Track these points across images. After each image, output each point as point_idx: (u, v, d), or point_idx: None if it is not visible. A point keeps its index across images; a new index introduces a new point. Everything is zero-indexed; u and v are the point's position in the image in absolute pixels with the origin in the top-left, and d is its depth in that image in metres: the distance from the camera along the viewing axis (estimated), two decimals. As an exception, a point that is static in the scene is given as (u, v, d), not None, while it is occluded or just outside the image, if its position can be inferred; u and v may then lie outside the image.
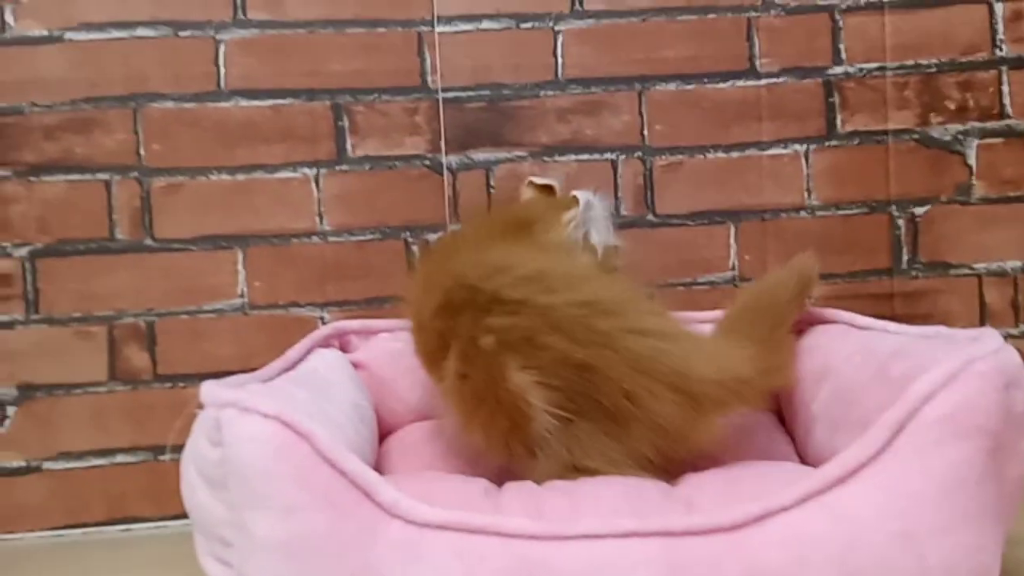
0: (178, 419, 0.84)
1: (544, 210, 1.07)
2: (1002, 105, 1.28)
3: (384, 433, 1.10)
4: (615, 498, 0.74)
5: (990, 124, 1.28)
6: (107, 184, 1.24)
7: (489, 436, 0.86)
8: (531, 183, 1.13)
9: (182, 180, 1.25)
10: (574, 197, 1.06)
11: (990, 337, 0.75)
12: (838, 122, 1.29)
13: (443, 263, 0.95)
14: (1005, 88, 1.27)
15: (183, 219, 1.25)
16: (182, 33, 1.24)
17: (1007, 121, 1.28)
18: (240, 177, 1.26)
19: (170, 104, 1.24)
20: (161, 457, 1.24)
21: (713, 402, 0.83)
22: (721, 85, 1.28)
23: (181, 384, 1.25)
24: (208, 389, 0.75)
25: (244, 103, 1.25)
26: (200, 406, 0.77)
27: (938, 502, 0.67)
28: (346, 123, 1.26)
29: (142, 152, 1.25)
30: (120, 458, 1.25)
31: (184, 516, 0.82)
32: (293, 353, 1.02)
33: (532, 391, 0.82)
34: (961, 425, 0.68)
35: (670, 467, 0.84)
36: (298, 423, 0.71)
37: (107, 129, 1.24)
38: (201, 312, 1.26)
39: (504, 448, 0.86)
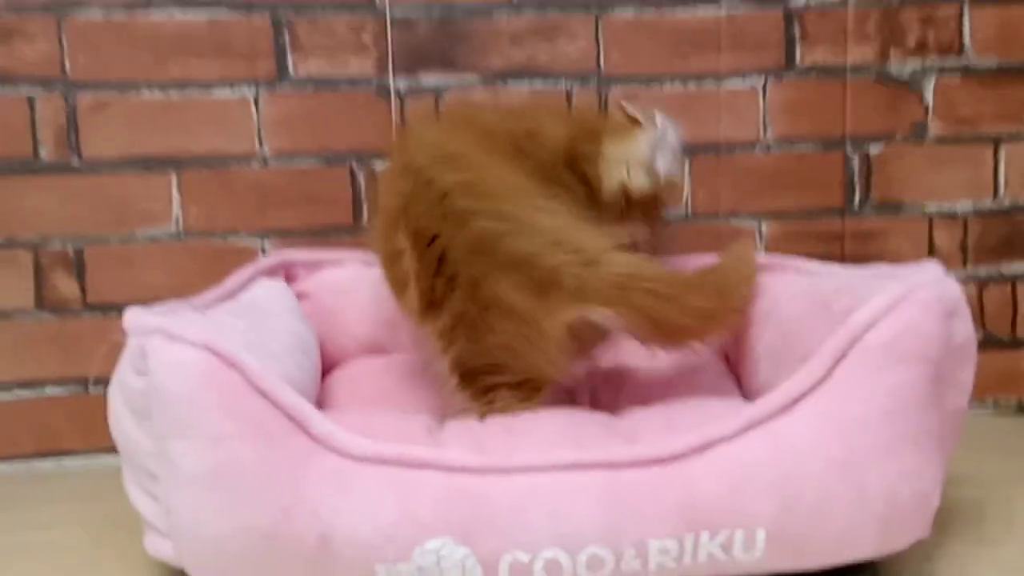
0: (102, 348, 0.80)
1: (612, 126, 1.03)
2: (962, 42, 1.25)
3: (330, 367, 1.07)
4: (556, 432, 0.72)
5: (949, 61, 1.26)
6: (30, 99, 1.16)
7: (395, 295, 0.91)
8: (621, 107, 1.06)
9: (110, 96, 1.18)
10: (650, 119, 1.01)
11: (932, 268, 0.75)
12: (797, 55, 1.25)
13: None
14: (966, 24, 1.25)
15: (112, 138, 1.18)
16: (110, -63, 1.15)
17: (966, 59, 1.26)
18: (173, 94, 1.19)
19: (98, 13, 1.16)
20: (91, 390, 1.19)
21: (565, 294, 0.79)
22: (680, 12, 1.24)
23: (112, 314, 1.19)
24: (133, 316, 0.71)
25: (178, 15, 1.17)
26: (125, 333, 0.73)
27: (879, 428, 0.67)
28: (287, 40, 1.19)
29: (67, 65, 1.17)
30: (49, 390, 1.20)
31: (115, 450, 0.78)
32: (233, 282, 0.98)
33: (407, 256, 0.86)
34: (902, 352, 0.68)
35: (553, 367, 0.82)
36: (228, 352, 0.67)
37: (28, 39, 1.15)
38: (133, 238, 1.20)
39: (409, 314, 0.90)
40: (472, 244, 0.82)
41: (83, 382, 1.19)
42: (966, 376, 0.74)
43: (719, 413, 0.69)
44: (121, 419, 0.74)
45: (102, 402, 0.80)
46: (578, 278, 0.79)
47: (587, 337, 0.85)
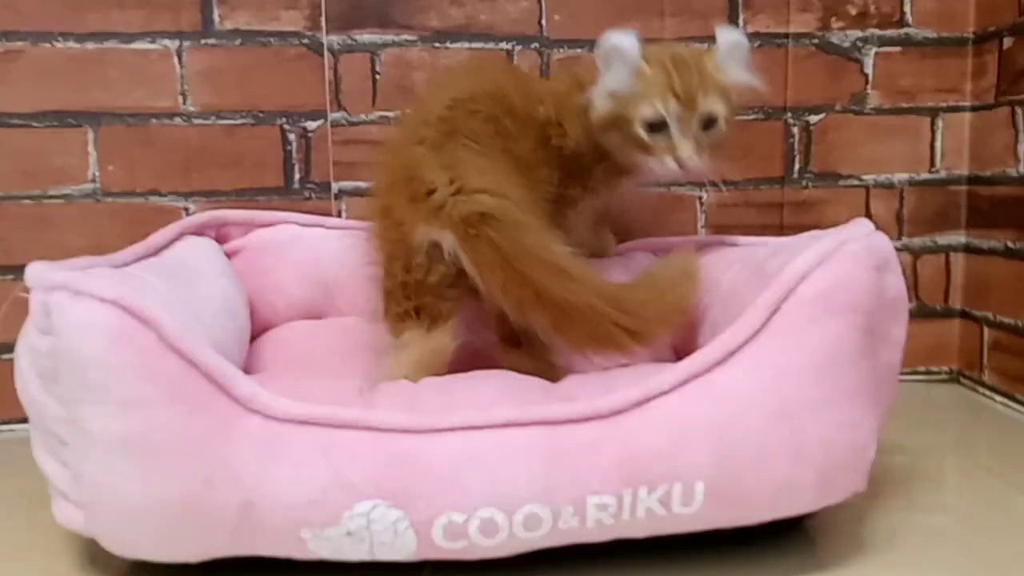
0: (2, 307, 0.75)
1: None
2: (903, 13, 1.25)
3: (261, 330, 1.03)
4: (493, 392, 0.70)
5: (889, 32, 1.26)
6: (-68, 46, 1.09)
7: None
8: None
9: (22, 46, 1.10)
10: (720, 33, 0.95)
11: (862, 224, 0.75)
12: (740, 21, 1.24)
13: None
14: (906, -6, 1.25)
15: (24, 91, 1.11)
16: None
17: (906, 29, 1.26)
18: (90, 46, 1.12)
19: (7, -43, 1.09)
20: (3, 356, 1.13)
21: (425, 208, 0.82)
22: (624, -25, 1.21)
23: (19, 282, 1.12)
24: (36, 270, 0.66)
25: (95, -40, 1.11)
26: (27, 290, 0.67)
27: (814, 378, 0.67)
28: (213, -10, 1.14)
29: (-25, 12, 1.09)
30: (-46, 357, 1.13)
31: (24, 419, 0.73)
32: (157, 238, 0.93)
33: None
34: (834, 302, 0.68)
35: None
36: (141, 309, 0.62)
37: (-70, -18, 1.08)
38: (46, 197, 1.13)
39: None
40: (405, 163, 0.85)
41: (-7, 349, 1.13)
42: (899, 331, 0.74)
43: (656, 371, 0.67)
44: (28, 382, 0.68)
45: (8, 368, 0.75)
46: (441, 199, 0.81)
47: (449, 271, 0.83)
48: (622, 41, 0.90)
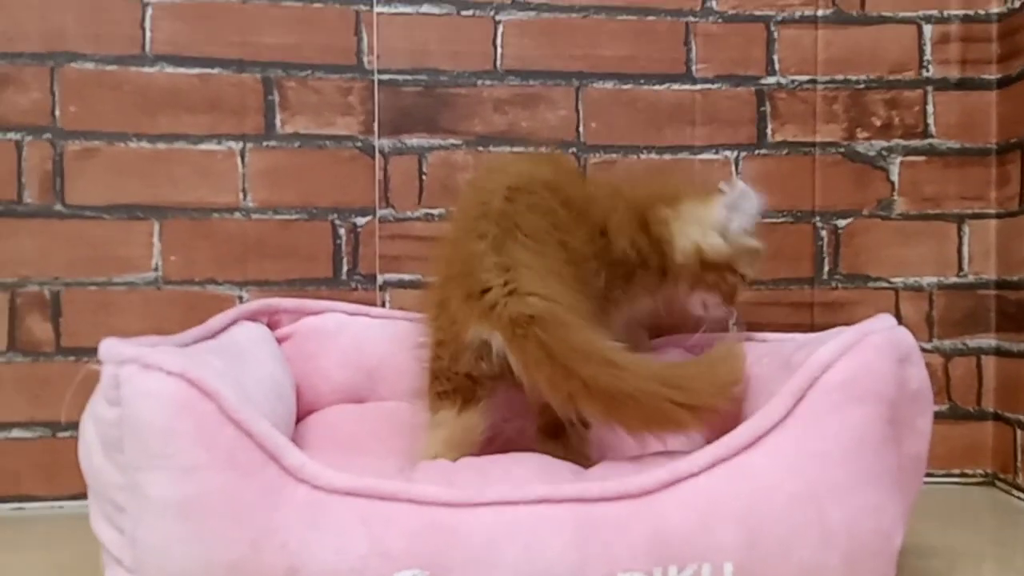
0: (70, 390, 0.80)
1: (692, 191, 1.06)
2: (926, 124, 1.31)
3: (306, 413, 1.07)
4: (527, 472, 0.73)
5: (913, 142, 1.31)
6: (18, 144, 1.18)
7: None
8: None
9: (98, 145, 1.20)
10: (729, 185, 1.04)
11: (884, 318, 0.79)
12: (768, 131, 1.30)
13: None
14: (930, 108, 1.31)
15: (97, 186, 1.20)
16: (106, -9, 1.19)
17: (930, 140, 1.31)
18: (160, 146, 1.21)
19: (90, 65, 1.19)
20: (59, 434, 1.18)
21: (479, 307, 0.85)
22: (657, 87, 1.29)
23: (85, 359, 1.19)
24: (108, 345, 0.72)
25: (170, 69, 1.21)
26: (98, 364, 0.73)
27: (839, 463, 0.69)
28: (276, 98, 1.23)
29: (57, 113, 1.19)
30: (16, 433, 1.18)
31: (80, 497, 0.77)
32: (215, 322, 0.99)
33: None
34: (858, 390, 0.71)
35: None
36: (203, 381, 0.67)
37: (22, 87, 1.18)
38: (111, 284, 1.20)
39: None
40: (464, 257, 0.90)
41: (51, 426, 1.18)
42: (923, 423, 0.76)
43: (685, 453, 0.70)
44: (92, 451, 0.73)
45: (69, 447, 0.79)
46: (494, 300, 0.84)
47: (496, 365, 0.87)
48: (753, 197, 1.02)
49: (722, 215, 1.01)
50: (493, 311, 0.84)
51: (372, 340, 1.13)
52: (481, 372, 0.88)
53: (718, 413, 0.76)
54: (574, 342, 0.81)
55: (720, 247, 1.01)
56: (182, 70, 1.21)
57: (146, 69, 1.20)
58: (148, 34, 1.20)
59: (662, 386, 0.79)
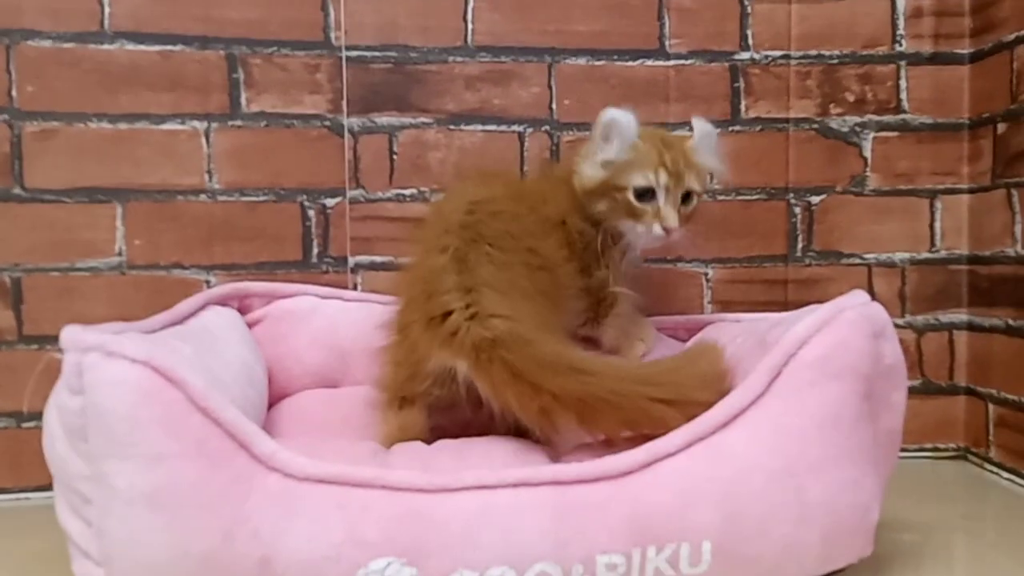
0: (32, 379, 0.77)
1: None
2: (899, 100, 1.31)
3: (278, 398, 1.05)
4: (505, 455, 0.72)
5: (886, 118, 1.31)
6: (-27, 126, 1.14)
7: None
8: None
9: (57, 125, 1.16)
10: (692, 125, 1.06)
11: (858, 293, 0.79)
12: (742, 107, 1.30)
13: None
14: (903, 83, 1.31)
15: (57, 168, 1.16)
16: (64, -33, 1.15)
17: (903, 115, 1.31)
18: (122, 126, 1.17)
19: (47, 43, 1.15)
20: (24, 424, 1.15)
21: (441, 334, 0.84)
22: (630, 63, 1.27)
23: (49, 346, 1.16)
24: (70, 333, 0.69)
25: (130, 46, 1.17)
26: (60, 352, 0.70)
27: (816, 439, 0.70)
28: (241, 75, 1.20)
29: (14, 93, 1.15)
30: (-23, 424, 1.15)
31: (47, 488, 0.75)
32: (184, 307, 0.97)
33: None
34: (834, 366, 0.72)
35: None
36: (169, 369, 0.65)
37: (-25, 66, 1.14)
38: (74, 269, 1.17)
39: None
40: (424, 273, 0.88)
41: (15, 416, 1.15)
42: (898, 397, 0.77)
43: (662, 434, 0.69)
44: (55, 440, 0.71)
45: (34, 438, 0.77)
46: (456, 325, 0.82)
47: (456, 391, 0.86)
48: (622, 117, 1.00)
49: (594, 147, 1.02)
50: (455, 338, 0.82)
51: (345, 323, 1.12)
52: (439, 396, 0.88)
53: (704, 406, 0.74)
54: (539, 357, 0.79)
55: (590, 176, 1.01)
56: (143, 47, 1.17)
57: (106, 46, 1.17)
58: (107, 9, 1.16)
59: (639, 385, 0.78)
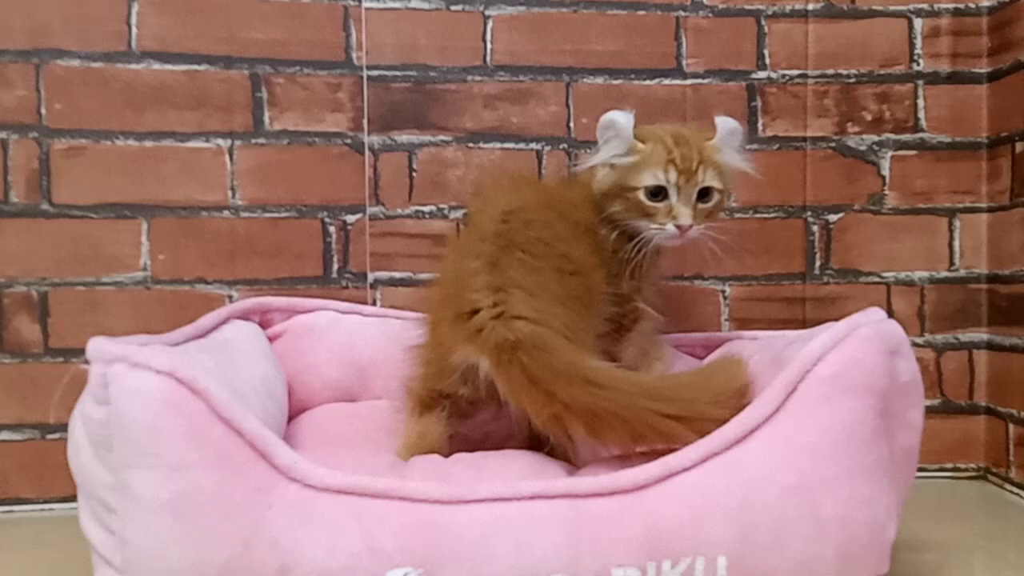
0: (58, 391, 0.79)
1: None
2: (916, 118, 1.31)
3: (298, 412, 1.06)
4: (520, 468, 0.72)
5: (904, 136, 1.31)
6: (3, 142, 1.17)
7: None
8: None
9: (84, 143, 1.19)
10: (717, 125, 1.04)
11: (874, 312, 0.78)
12: (759, 126, 1.30)
13: None
14: (920, 102, 1.31)
15: (84, 184, 1.19)
16: (92, -12, 1.18)
17: (921, 134, 1.31)
18: (148, 143, 1.20)
19: (76, 62, 1.18)
20: (48, 436, 1.17)
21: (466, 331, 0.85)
22: (648, 82, 1.29)
23: (74, 359, 1.18)
24: (96, 344, 0.71)
25: (156, 66, 1.20)
26: (86, 363, 0.72)
27: (831, 455, 0.70)
28: (264, 94, 1.22)
29: (43, 111, 1.18)
30: (4, 435, 1.17)
31: (70, 499, 0.77)
32: (206, 321, 0.98)
33: None
34: (849, 382, 0.72)
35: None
36: (193, 380, 0.67)
37: (7, 84, 1.17)
38: (99, 283, 1.19)
39: None
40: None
41: (40, 428, 1.17)
42: (915, 415, 0.77)
43: (677, 449, 0.69)
44: (80, 450, 0.72)
45: (58, 449, 0.78)
46: (481, 323, 0.84)
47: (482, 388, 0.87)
48: (619, 117, 1.00)
49: (599, 154, 1.02)
50: (480, 335, 0.83)
51: (364, 338, 1.13)
52: (463, 394, 0.89)
53: (717, 423, 0.74)
54: (556, 365, 0.80)
55: (602, 179, 1.02)
56: (169, 66, 1.20)
57: (133, 66, 1.19)
58: (134, 30, 1.19)
59: (651, 400, 0.78)
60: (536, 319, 0.83)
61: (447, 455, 0.88)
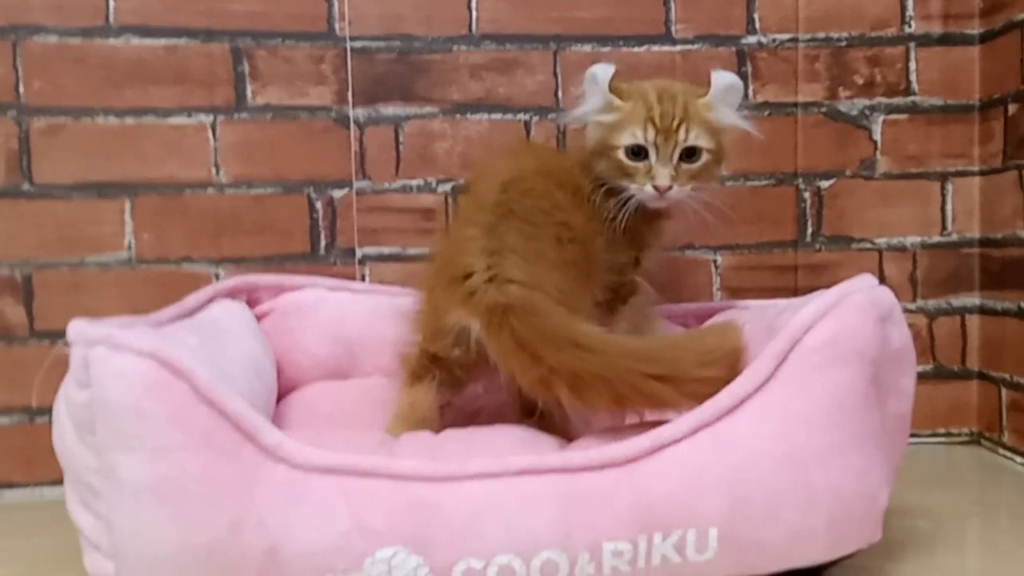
0: (40, 373, 0.78)
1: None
2: (908, 81, 1.30)
3: (287, 390, 1.06)
4: (511, 443, 0.72)
5: (896, 100, 1.30)
6: (-19, 122, 1.15)
7: None
8: None
9: (64, 121, 1.17)
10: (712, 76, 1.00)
11: (865, 278, 0.77)
12: (750, 91, 1.28)
13: None
14: (912, 64, 1.29)
15: (65, 164, 1.17)
16: (68, -38, 1.15)
17: (912, 97, 1.30)
18: (129, 121, 1.18)
19: (53, 38, 1.16)
20: (37, 419, 1.16)
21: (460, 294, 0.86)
22: (636, 49, 1.27)
23: (60, 341, 1.16)
24: (77, 326, 0.70)
25: (135, 41, 1.17)
26: (67, 345, 0.71)
27: (822, 425, 0.69)
28: (246, 68, 1.20)
29: (21, 89, 1.16)
30: (-10, 419, 1.16)
31: (60, 482, 0.76)
32: (192, 300, 0.97)
33: None
34: (840, 350, 0.71)
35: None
36: (176, 361, 0.66)
37: (-18, 62, 1.15)
38: (83, 264, 1.17)
39: None
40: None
41: (28, 411, 1.16)
42: (907, 382, 0.76)
43: (667, 421, 0.69)
44: (64, 434, 0.71)
45: (46, 432, 0.77)
46: (474, 286, 0.84)
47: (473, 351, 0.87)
48: (597, 71, 0.97)
49: (581, 110, 1.01)
50: (473, 298, 0.84)
51: (354, 314, 1.12)
52: (455, 358, 0.89)
53: (705, 384, 0.73)
54: (544, 328, 0.80)
55: (590, 136, 1.00)
56: (148, 41, 1.18)
57: (111, 41, 1.17)
58: (113, 4, 1.16)
59: (634, 361, 0.77)
60: (528, 283, 0.83)
61: (438, 427, 0.88)
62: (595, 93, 0.98)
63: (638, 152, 0.96)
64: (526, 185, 0.94)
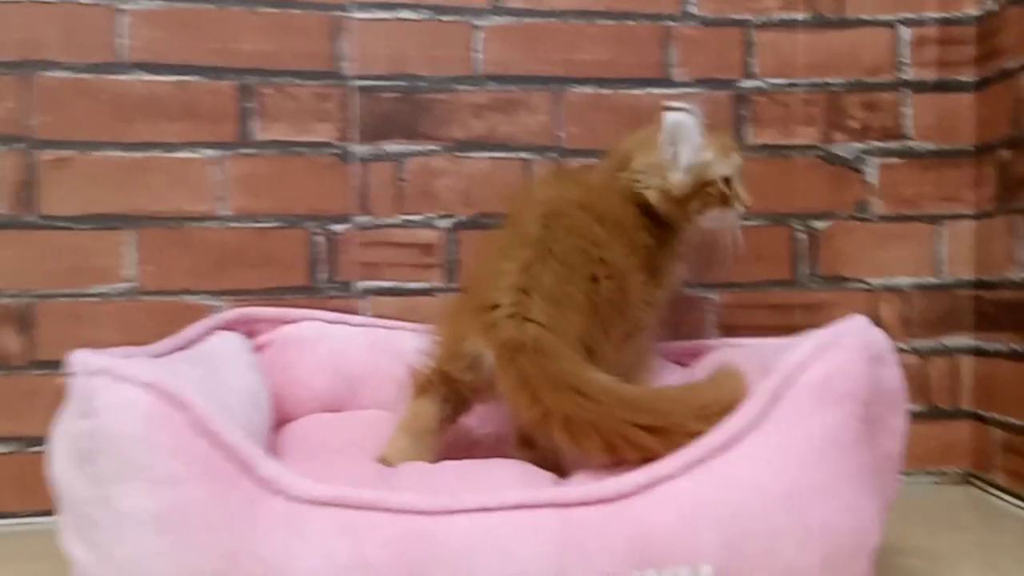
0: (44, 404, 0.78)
1: (638, 142, 1.08)
2: (902, 126, 1.32)
3: (285, 421, 1.06)
4: (507, 476, 0.72)
5: (891, 144, 1.32)
6: (-10, 154, 1.17)
7: None
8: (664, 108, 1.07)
9: (72, 153, 1.18)
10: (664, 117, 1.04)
11: (858, 319, 0.79)
12: (747, 134, 1.31)
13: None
14: (906, 110, 1.32)
15: (71, 195, 1.18)
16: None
17: (907, 142, 1.32)
18: (136, 154, 1.20)
19: (65, 73, 1.18)
20: (32, 448, 1.16)
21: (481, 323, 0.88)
22: (636, 91, 1.29)
23: (60, 371, 1.17)
24: (79, 357, 0.70)
25: (146, 76, 1.20)
26: (68, 375, 0.72)
27: (816, 463, 0.70)
28: (253, 104, 1.22)
29: (31, 122, 1.17)
30: (-11, 448, 1.16)
31: (45, 514, 0.76)
32: (191, 332, 0.98)
33: None
34: (833, 391, 0.72)
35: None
36: (175, 392, 0.67)
37: (-6, 96, 1.17)
38: (85, 295, 1.19)
39: None
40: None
41: (24, 440, 1.16)
42: (898, 422, 0.77)
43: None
44: (62, 465, 0.71)
45: (42, 462, 0.78)
46: (496, 319, 0.87)
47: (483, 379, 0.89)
48: (681, 118, 1.02)
49: (668, 154, 1.02)
50: (492, 329, 0.87)
51: (352, 348, 1.13)
52: (468, 380, 0.91)
53: (693, 436, 0.74)
54: (549, 371, 0.82)
55: (681, 182, 1.02)
56: (158, 77, 1.20)
57: (122, 76, 1.19)
58: (124, 41, 1.19)
59: (627, 411, 0.78)
60: (547, 325, 0.86)
61: (437, 441, 0.92)
62: (689, 136, 1.02)
63: (728, 181, 1.04)
64: (568, 222, 0.96)
